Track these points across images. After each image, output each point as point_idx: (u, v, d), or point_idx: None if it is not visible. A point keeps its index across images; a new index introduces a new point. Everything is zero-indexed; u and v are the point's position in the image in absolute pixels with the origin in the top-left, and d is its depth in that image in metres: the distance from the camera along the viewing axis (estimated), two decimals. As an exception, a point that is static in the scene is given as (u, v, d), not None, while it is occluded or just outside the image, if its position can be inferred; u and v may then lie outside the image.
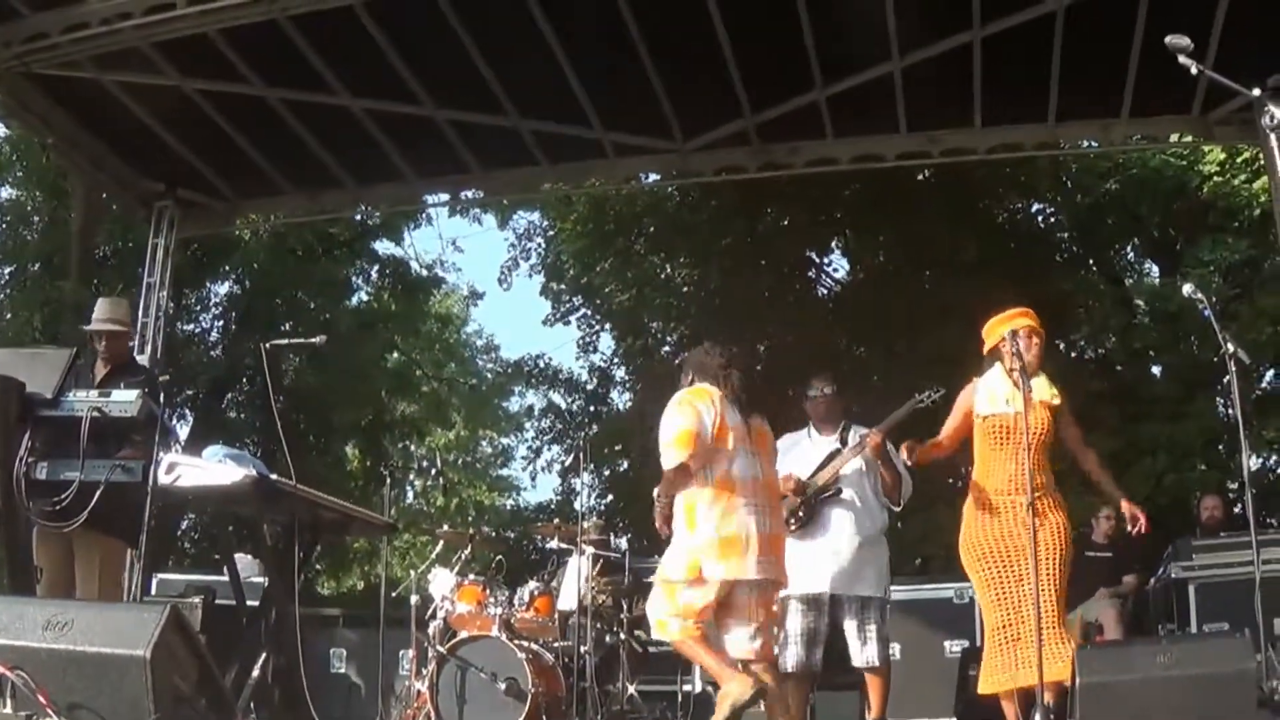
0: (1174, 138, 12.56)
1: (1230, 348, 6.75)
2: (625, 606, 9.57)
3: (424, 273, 28.04)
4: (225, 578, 10.85)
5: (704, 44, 10.00)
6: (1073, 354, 19.78)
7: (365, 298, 27.08)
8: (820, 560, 7.71)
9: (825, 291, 23.21)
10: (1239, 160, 15.29)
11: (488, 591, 8.91)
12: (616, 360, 24.56)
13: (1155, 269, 21.24)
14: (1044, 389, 6.67)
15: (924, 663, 9.88)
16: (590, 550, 9.25)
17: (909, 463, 7.26)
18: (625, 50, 10.09)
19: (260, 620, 7.44)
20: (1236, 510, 13.29)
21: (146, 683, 4.86)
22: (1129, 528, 6.85)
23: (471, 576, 9.23)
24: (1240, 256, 16.02)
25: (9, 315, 20.27)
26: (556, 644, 8.90)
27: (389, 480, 14.02)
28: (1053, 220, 21.65)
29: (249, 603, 8.00)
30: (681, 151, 11.71)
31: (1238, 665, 5.61)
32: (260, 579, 9.49)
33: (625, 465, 22.89)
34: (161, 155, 11.61)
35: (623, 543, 11.39)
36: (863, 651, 7.67)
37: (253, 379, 23.26)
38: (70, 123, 11.14)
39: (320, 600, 18.88)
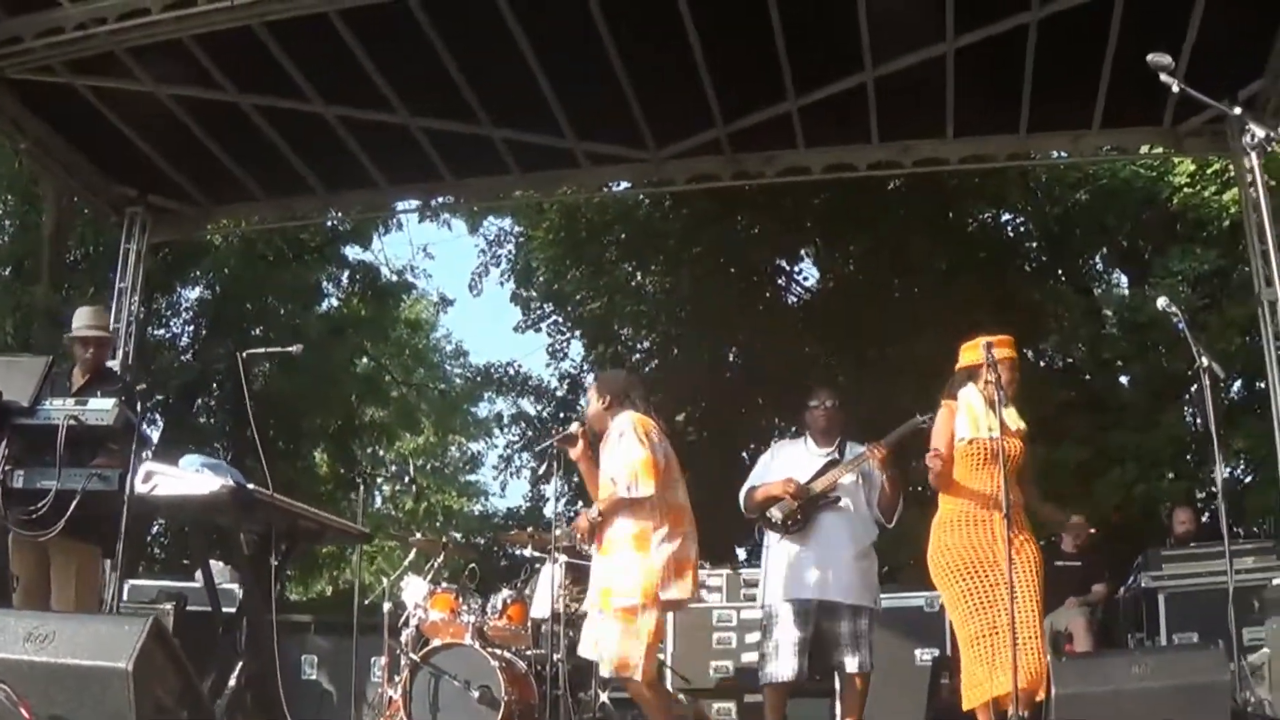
0: (1144, 149, 12.65)
1: (1205, 361, 6.81)
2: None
3: (394, 278, 27.96)
4: (196, 584, 10.86)
5: (677, 53, 10.02)
6: (1042, 363, 19.87)
7: (335, 303, 27.01)
8: (815, 567, 7.77)
9: (795, 300, 23.28)
10: (1209, 171, 15.36)
11: (460, 599, 8.91)
12: (586, 367, 24.55)
13: (1124, 279, 21.36)
14: (1015, 418, 6.70)
15: (894, 671, 9.90)
16: (563, 558, 9.26)
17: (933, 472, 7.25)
18: (598, 59, 10.10)
19: (235, 628, 7.44)
20: (1204, 520, 13.35)
21: (129, 695, 4.86)
22: (1072, 538, 6.92)
23: (444, 584, 9.23)
24: (1209, 267, 16.09)
25: (-21, 321, 20.15)
26: (529, 652, 8.89)
27: (362, 487, 14.02)
28: (1022, 229, 21.73)
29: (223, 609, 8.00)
30: (654, 160, 11.74)
31: (1212, 676, 5.67)
32: (231, 585, 9.48)
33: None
34: (134, 161, 11.57)
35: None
36: (855, 657, 7.74)
37: (223, 385, 23.18)
38: (43, 128, 11.09)
39: (291, 606, 18.81)
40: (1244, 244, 10.74)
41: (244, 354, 8.71)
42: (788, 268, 23.23)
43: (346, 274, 26.62)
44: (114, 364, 10.66)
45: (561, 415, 24.71)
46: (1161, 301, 7.42)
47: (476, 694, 8.10)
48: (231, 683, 6.87)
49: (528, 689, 8.45)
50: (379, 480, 32.02)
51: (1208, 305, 15.60)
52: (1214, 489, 16.82)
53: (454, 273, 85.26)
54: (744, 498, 8.24)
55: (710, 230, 19.97)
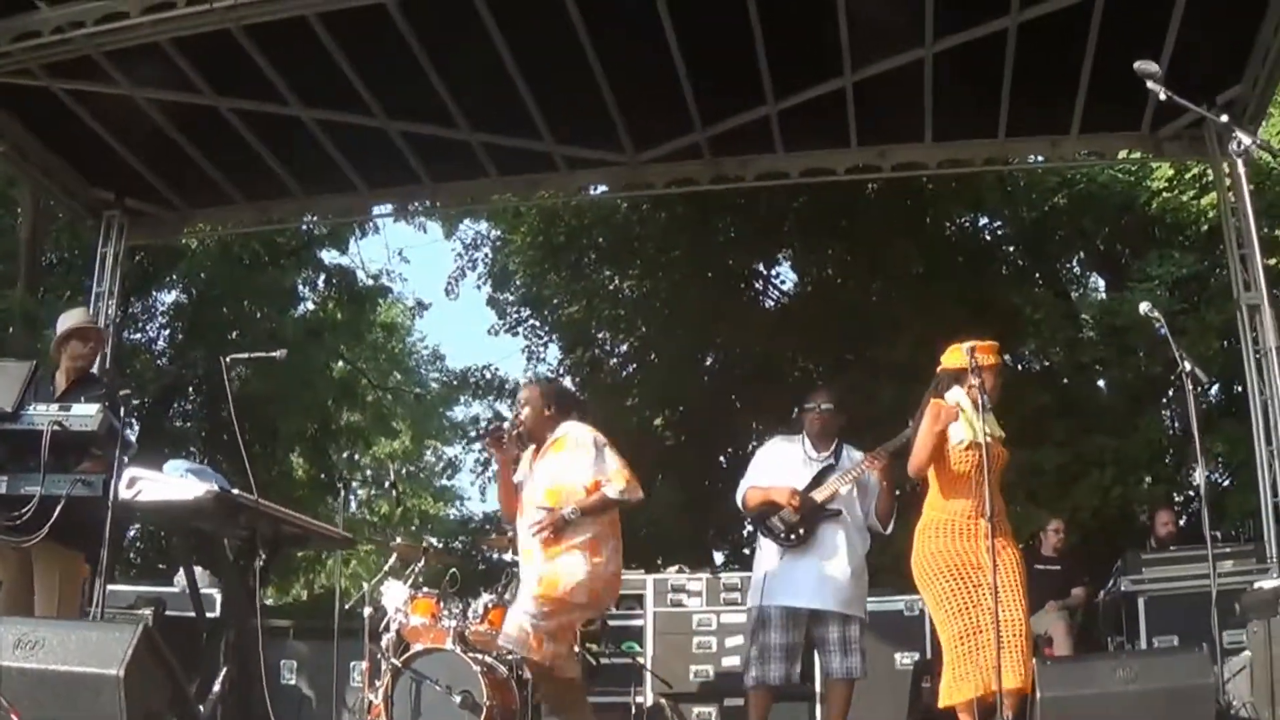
0: (1123, 154, 12.67)
1: (1188, 366, 6.83)
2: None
3: (370, 282, 27.92)
4: (174, 588, 10.82)
5: (657, 57, 10.01)
6: (1019, 366, 19.90)
7: (311, 307, 26.92)
8: (811, 577, 7.76)
9: (773, 303, 23.30)
10: (1187, 176, 15.41)
11: (441, 604, 8.89)
12: (563, 371, 24.53)
13: (1101, 282, 21.44)
14: (994, 425, 6.71)
15: (876, 675, 9.90)
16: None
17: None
18: (577, 62, 10.09)
19: (218, 633, 7.41)
20: (1181, 523, 13.40)
21: (120, 702, 4.85)
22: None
23: (425, 589, 9.20)
24: (1188, 271, 16.14)
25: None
26: (511, 656, 8.88)
27: (342, 491, 14.01)
28: (1000, 233, 21.81)
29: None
30: (633, 164, 11.75)
31: (1197, 679, 5.69)
32: (210, 590, 9.45)
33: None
34: (111, 164, 11.53)
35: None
36: (844, 661, 7.75)
37: (199, 388, 23.11)
38: (20, 130, 11.07)
39: (270, 611, 18.74)
40: (1222, 248, 10.78)
41: (227, 358, 8.66)
42: (765, 271, 23.34)
43: (323, 278, 26.57)
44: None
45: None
46: (1143, 306, 7.42)
47: (458, 699, 8.07)
48: (216, 688, 6.84)
49: (509, 694, 8.43)
50: (354, 485, 31.95)
51: (1186, 310, 15.63)
52: (1191, 493, 16.94)
53: (430, 276, 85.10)
54: (742, 496, 8.21)
55: (688, 234, 20.01)
